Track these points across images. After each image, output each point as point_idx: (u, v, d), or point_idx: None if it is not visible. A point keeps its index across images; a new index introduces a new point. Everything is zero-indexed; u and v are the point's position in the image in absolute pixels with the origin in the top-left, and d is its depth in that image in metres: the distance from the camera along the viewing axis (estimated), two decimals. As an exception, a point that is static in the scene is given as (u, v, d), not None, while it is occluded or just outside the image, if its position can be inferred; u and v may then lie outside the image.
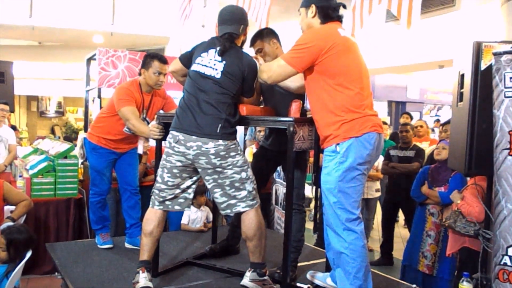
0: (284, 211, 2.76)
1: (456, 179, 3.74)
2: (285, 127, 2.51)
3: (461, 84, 2.75)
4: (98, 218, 3.64)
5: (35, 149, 5.70)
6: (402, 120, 7.24)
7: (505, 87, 2.31)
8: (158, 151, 3.05)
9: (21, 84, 10.97)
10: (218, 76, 2.57)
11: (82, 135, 5.42)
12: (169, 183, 2.64)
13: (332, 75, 2.41)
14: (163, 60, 3.41)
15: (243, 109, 2.69)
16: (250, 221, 2.61)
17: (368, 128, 2.39)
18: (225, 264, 3.15)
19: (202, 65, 2.62)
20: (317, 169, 3.00)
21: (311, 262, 3.32)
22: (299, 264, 3.13)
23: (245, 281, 2.63)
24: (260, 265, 2.65)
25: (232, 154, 2.56)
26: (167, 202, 2.68)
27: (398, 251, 4.91)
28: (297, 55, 2.45)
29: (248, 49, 2.88)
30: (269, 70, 2.55)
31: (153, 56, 3.43)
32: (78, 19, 9.30)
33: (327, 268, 2.88)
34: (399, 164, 5.06)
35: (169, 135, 2.62)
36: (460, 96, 2.77)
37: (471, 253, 3.23)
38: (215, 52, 2.62)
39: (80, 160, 4.78)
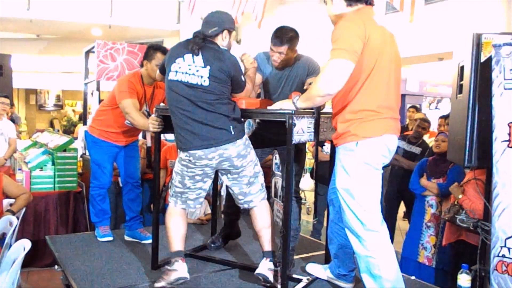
0: (283, 203, 2.76)
1: (454, 171, 3.74)
2: (284, 119, 2.46)
3: (461, 76, 2.75)
4: (98, 211, 3.64)
5: (34, 142, 5.70)
6: (408, 114, 7.09)
7: (505, 79, 2.31)
8: (157, 143, 3.05)
9: (20, 77, 10.95)
10: (206, 83, 2.48)
11: (82, 128, 5.41)
12: (192, 187, 2.68)
13: (359, 72, 2.20)
14: (166, 53, 3.40)
15: (242, 103, 2.66)
16: (263, 211, 2.67)
17: (390, 130, 2.28)
18: (225, 257, 3.16)
19: (183, 73, 2.51)
20: (316, 161, 3.00)
21: (310, 254, 3.33)
22: (298, 256, 3.13)
23: (263, 269, 2.59)
24: (274, 252, 2.67)
25: (248, 150, 2.59)
26: (189, 202, 2.72)
27: (397, 243, 4.92)
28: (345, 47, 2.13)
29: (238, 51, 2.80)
30: (328, 80, 2.15)
31: (156, 48, 3.41)
32: (76, 11, 9.28)
33: (326, 260, 2.89)
34: (403, 158, 4.98)
35: (186, 154, 2.55)
36: (460, 88, 2.77)
37: (467, 245, 3.24)
38: (193, 56, 2.50)
39: (80, 153, 4.78)
